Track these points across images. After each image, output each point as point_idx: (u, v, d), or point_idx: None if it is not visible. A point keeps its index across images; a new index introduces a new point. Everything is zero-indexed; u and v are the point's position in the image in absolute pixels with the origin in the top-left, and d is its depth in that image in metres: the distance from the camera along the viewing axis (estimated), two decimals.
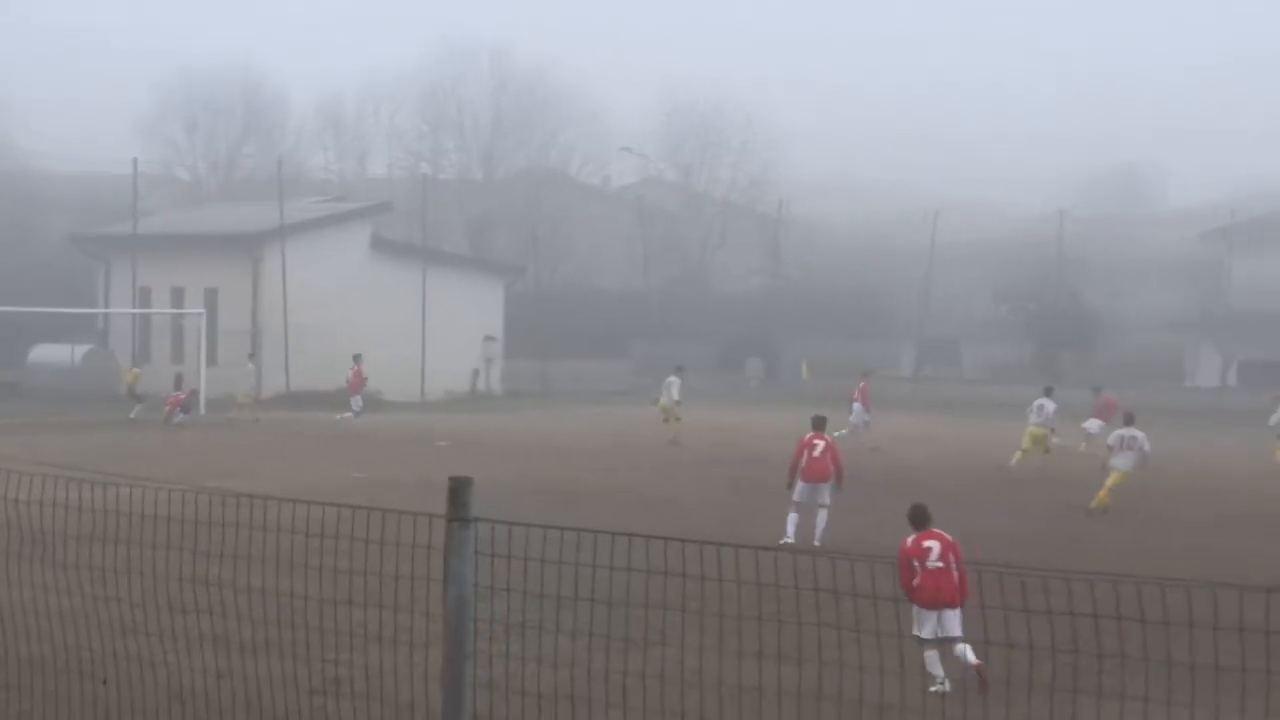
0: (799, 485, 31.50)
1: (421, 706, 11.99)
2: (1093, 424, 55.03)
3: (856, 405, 57.30)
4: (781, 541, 28.78)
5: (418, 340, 79.00)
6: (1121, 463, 37.93)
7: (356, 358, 62.42)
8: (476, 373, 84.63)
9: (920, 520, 18.89)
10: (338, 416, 59.06)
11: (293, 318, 74.54)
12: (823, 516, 31.01)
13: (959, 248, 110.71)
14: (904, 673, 10.07)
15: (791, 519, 30.84)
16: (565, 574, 10.00)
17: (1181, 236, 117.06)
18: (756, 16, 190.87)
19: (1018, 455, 49.52)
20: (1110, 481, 37.77)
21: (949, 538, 18.32)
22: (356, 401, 60.27)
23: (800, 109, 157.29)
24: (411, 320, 79.08)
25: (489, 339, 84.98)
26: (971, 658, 16.96)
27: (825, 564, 10.04)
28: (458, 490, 9.07)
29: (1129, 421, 39.10)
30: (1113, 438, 39.29)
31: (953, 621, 17.39)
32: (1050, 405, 50.55)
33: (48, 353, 76.86)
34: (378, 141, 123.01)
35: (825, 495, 31.33)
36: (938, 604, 17.36)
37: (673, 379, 56.37)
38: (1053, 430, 51.24)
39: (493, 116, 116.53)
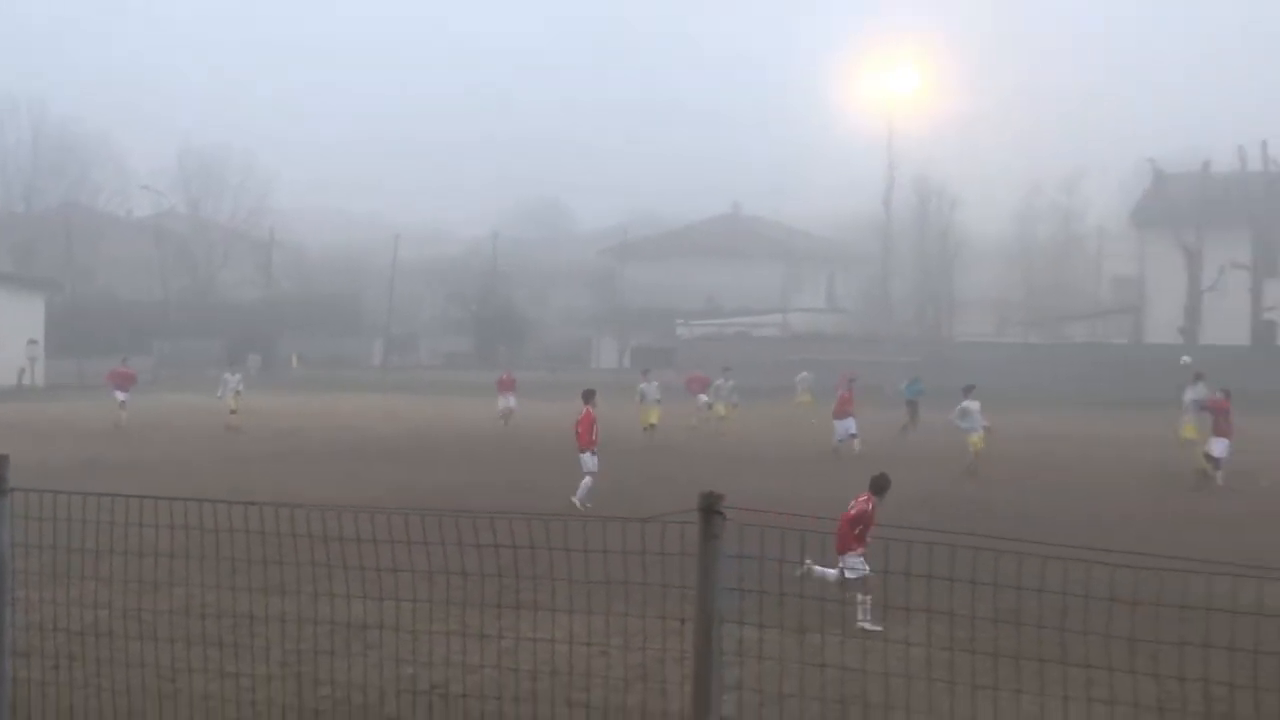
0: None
1: None
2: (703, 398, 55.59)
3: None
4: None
5: None
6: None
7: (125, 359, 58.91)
8: (22, 370, 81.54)
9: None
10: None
11: None
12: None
13: (419, 262, 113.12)
14: (382, 599, 10.00)
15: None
16: (92, 531, 9.73)
17: (587, 253, 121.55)
18: (256, 76, 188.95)
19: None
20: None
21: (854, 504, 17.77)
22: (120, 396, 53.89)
23: (291, 152, 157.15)
24: None
25: (31, 342, 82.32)
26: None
27: (316, 515, 9.97)
28: None
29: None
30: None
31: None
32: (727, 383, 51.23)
33: None
34: None
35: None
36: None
37: (228, 376, 52.78)
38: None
39: (31, 159, 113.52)
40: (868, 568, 16.86)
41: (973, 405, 35.21)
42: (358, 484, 29.99)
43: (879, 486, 17.79)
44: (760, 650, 8.89)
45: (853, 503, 17.70)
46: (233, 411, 50.34)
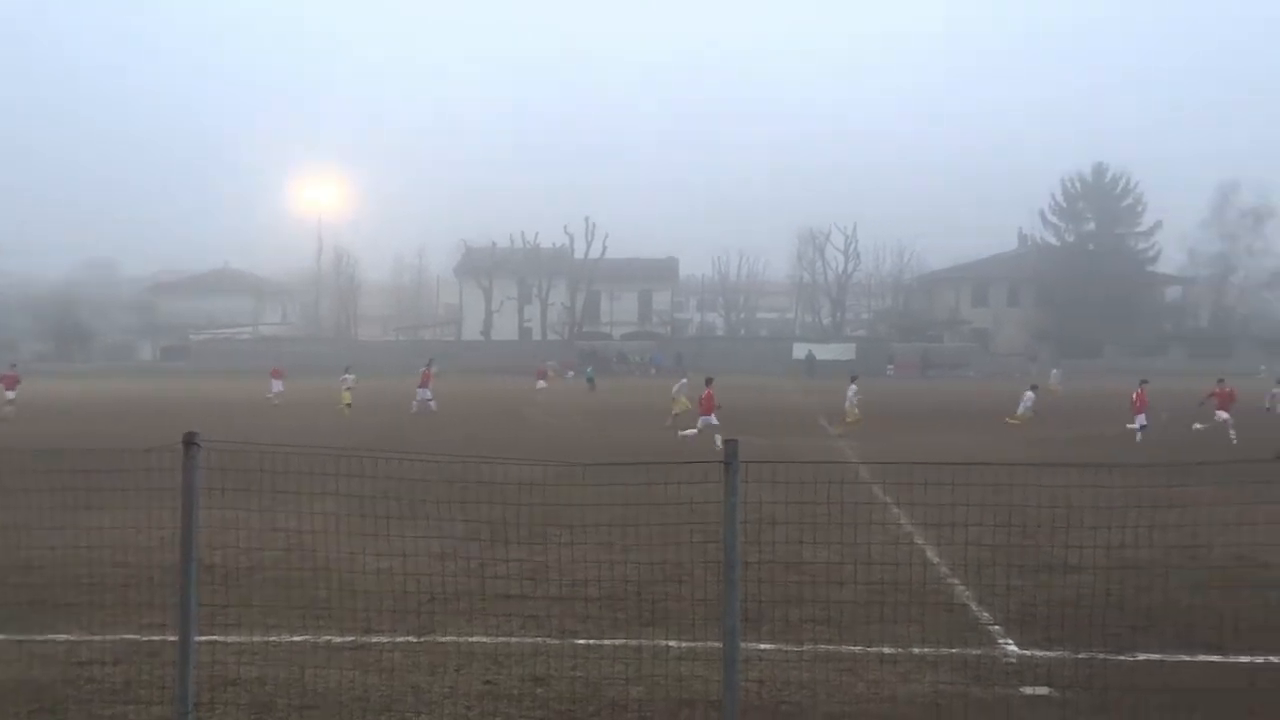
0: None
1: None
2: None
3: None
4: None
5: None
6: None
7: None
8: None
9: None
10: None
11: None
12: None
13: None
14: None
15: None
16: None
17: (136, 289, 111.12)
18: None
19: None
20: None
21: None
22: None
23: None
24: None
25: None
26: None
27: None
28: None
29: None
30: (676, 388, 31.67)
31: None
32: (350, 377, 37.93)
33: None
34: None
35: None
36: None
37: None
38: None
39: None
40: None
41: (854, 388, 30.38)
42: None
43: None
44: (226, 520, 8.47)
45: None
46: None
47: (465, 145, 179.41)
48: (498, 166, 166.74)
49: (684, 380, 32.73)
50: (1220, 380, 28.36)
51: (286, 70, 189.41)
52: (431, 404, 37.12)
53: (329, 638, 8.53)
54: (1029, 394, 28.71)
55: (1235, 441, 25.34)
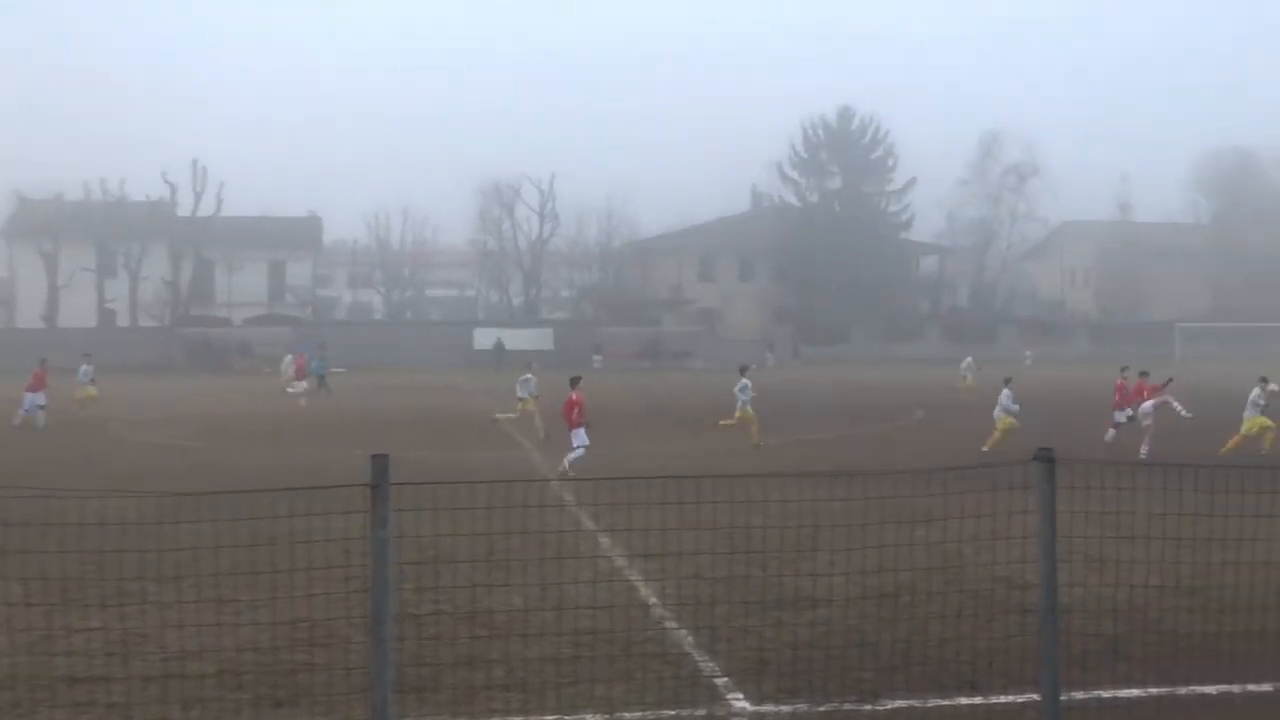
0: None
1: None
2: None
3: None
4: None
5: None
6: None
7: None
8: None
9: None
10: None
11: None
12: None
13: None
14: None
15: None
16: None
17: None
18: None
19: None
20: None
21: None
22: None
23: None
24: None
25: None
26: None
27: None
28: None
29: None
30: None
31: None
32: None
33: None
34: None
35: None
36: None
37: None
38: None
39: None
40: None
41: (747, 382, 30.07)
42: None
43: None
44: None
45: None
46: None
47: (16, 62, 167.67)
48: (67, 93, 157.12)
49: (529, 376, 32.89)
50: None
51: None
52: (31, 412, 36.57)
53: None
54: (1006, 391, 30.16)
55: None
